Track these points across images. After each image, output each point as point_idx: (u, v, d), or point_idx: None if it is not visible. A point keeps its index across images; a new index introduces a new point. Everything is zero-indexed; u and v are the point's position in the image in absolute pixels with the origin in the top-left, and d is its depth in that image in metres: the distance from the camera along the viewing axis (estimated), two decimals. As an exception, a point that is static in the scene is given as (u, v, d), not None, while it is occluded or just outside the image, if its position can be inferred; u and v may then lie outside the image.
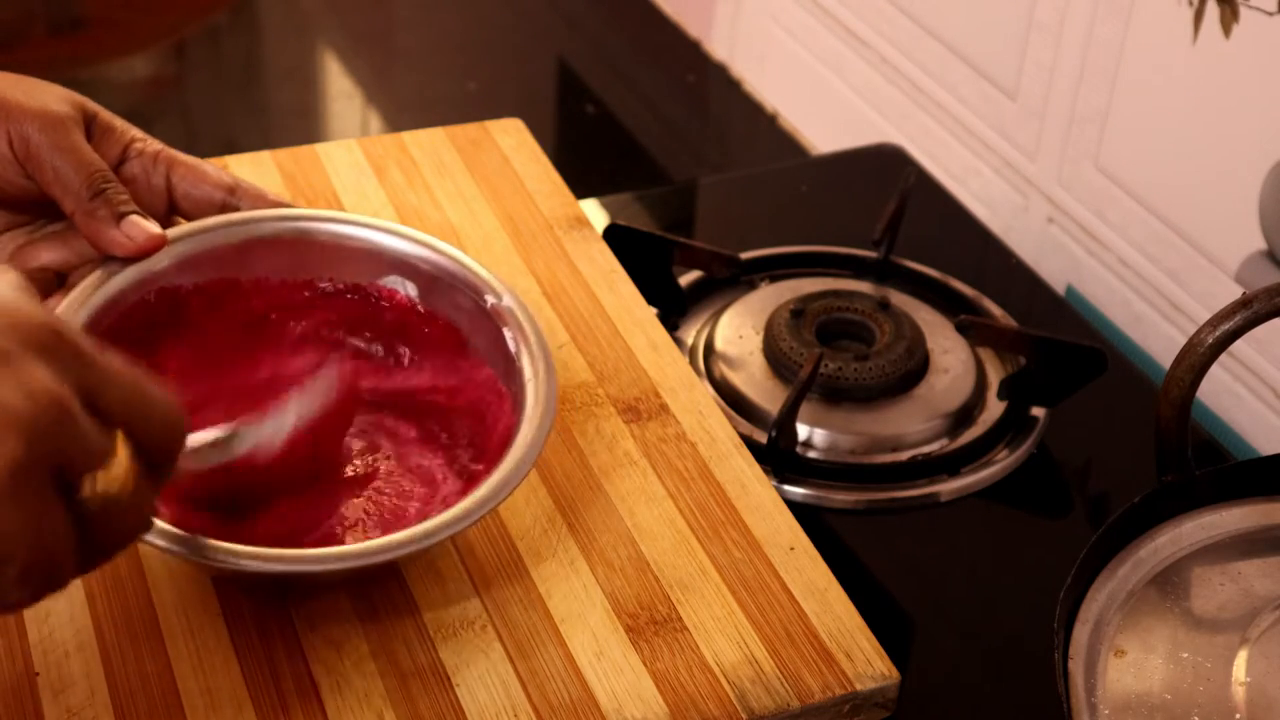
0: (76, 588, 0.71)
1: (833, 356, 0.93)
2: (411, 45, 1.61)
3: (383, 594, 0.73)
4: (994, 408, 0.94)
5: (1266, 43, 0.91)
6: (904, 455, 0.91)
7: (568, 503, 0.78)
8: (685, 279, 1.02)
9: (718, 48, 1.46)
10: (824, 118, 1.33)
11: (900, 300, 1.00)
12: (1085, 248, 1.09)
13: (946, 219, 1.13)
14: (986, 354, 0.98)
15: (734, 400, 0.93)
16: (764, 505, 0.79)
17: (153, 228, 0.75)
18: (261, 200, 0.79)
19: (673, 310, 1.00)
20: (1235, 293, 0.83)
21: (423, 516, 0.73)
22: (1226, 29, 0.94)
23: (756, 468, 0.81)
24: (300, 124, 1.49)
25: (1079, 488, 0.92)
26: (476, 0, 1.64)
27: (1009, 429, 0.93)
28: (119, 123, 0.77)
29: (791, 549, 0.77)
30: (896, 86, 1.23)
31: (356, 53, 1.60)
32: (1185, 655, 0.68)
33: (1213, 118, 0.96)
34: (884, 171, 1.14)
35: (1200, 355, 0.74)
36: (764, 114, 1.40)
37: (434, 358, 0.80)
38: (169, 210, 0.78)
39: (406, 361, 0.81)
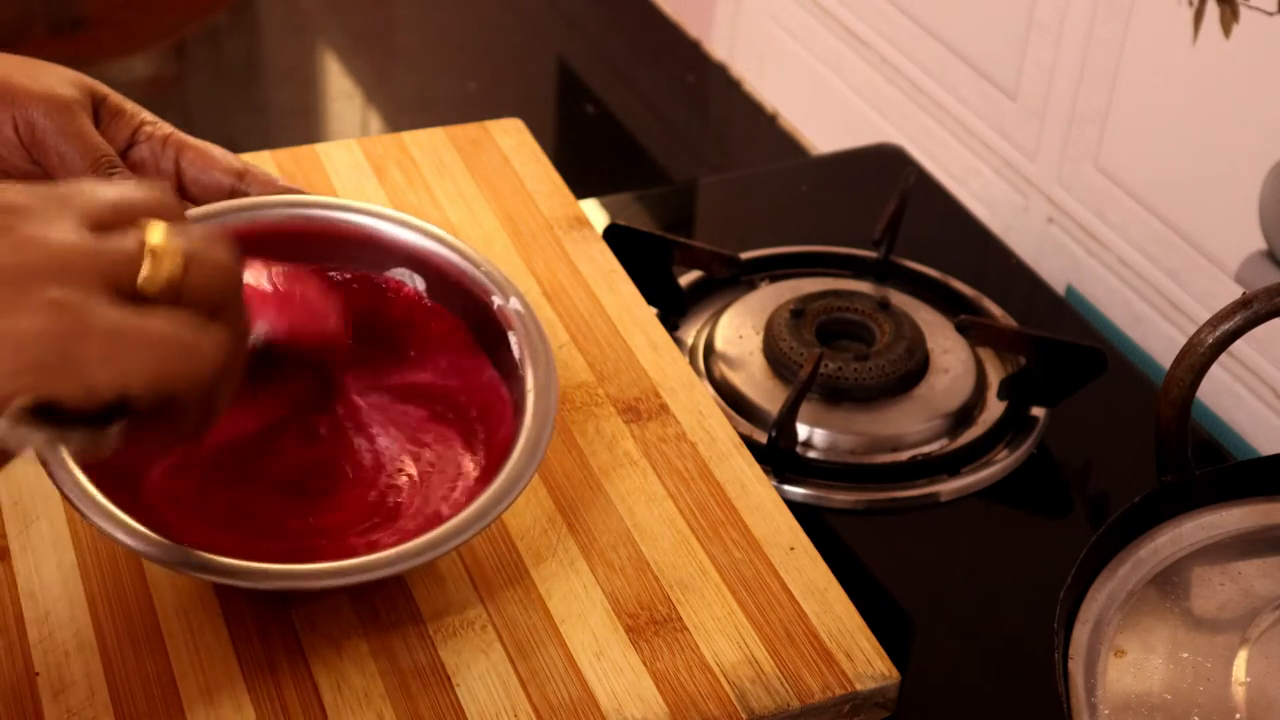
0: (77, 587, 0.71)
1: (833, 356, 0.93)
2: (411, 45, 1.61)
3: (383, 594, 0.72)
4: (994, 408, 0.94)
5: (1266, 43, 0.91)
6: (904, 455, 0.91)
7: (568, 503, 0.78)
8: (685, 279, 1.02)
9: (718, 48, 1.46)
10: (824, 118, 1.33)
11: (900, 300, 1.00)
12: (1085, 248, 1.09)
13: (946, 219, 1.13)
14: (986, 354, 0.98)
15: (734, 400, 0.93)
16: (764, 505, 0.79)
17: None
18: (271, 185, 0.78)
19: (673, 310, 1.00)
20: (1235, 293, 0.83)
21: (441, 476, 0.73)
22: (1226, 29, 0.94)
23: (756, 468, 0.81)
24: (300, 124, 1.49)
25: (1079, 488, 0.92)
26: (476, 0, 1.64)
27: (1009, 429, 0.93)
28: (129, 105, 0.76)
29: (791, 549, 0.77)
30: (896, 86, 1.23)
31: (356, 53, 1.60)
32: (1185, 655, 0.68)
33: (1213, 118, 0.96)
34: (884, 171, 1.14)
35: (1200, 355, 0.74)
36: (764, 114, 1.40)
37: (438, 355, 0.80)
38: (178, 195, 0.77)
39: (410, 356, 0.80)
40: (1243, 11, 0.92)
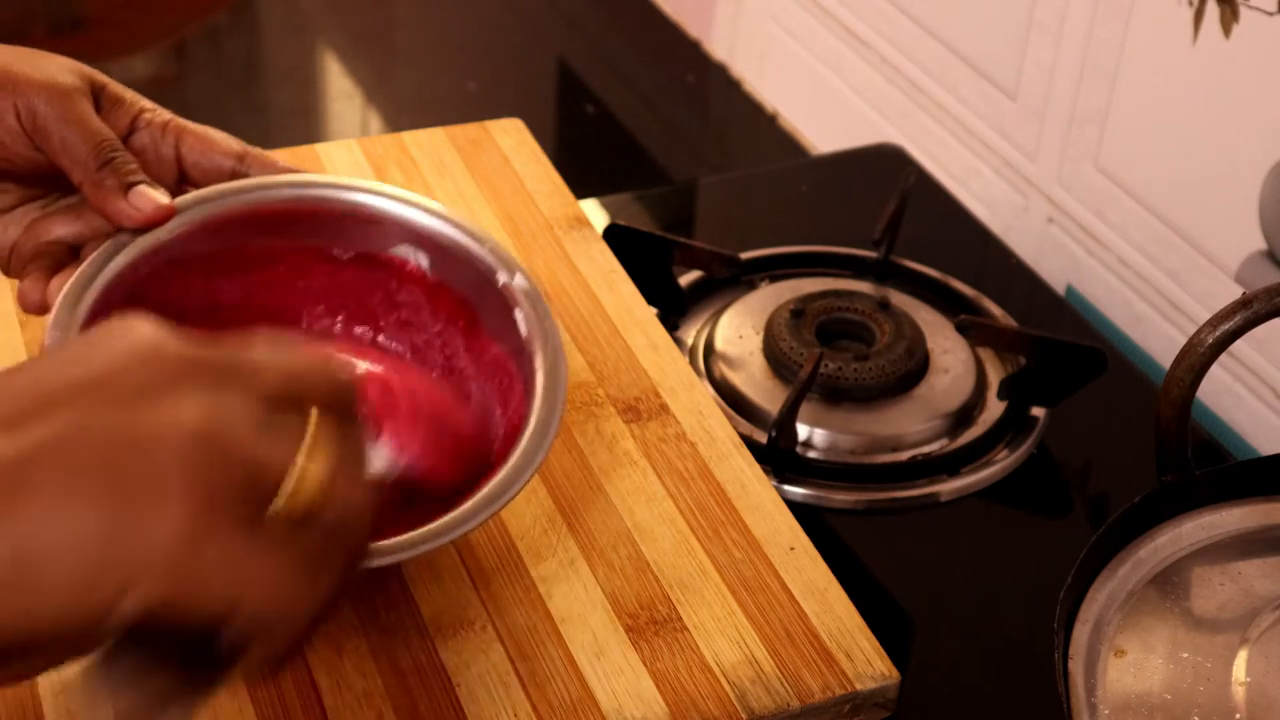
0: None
1: (833, 356, 0.93)
2: (411, 45, 1.61)
3: (383, 594, 0.73)
4: (994, 408, 0.94)
5: (1266, 43, 0.91)
6: (904, 455, 0.91)
7: (568, 503, 0.78)
8: (685, 279, 1.02)
9: (718, 48, 1.46)
10: (824, 118, 1.33)
11: (900, 300, 1.00)
12: (1085, 248, 1.09)
13: (946, 219, 1.13)
14: (986, 354, 0.98)
15: (734, 400, 0.93)
16: (764, 505, 0.79)
17: (161, 198, 0.74)
18: (272, 166, 0.78)
19: (673, 310, 1.00)
20: (1235, 293, 0.83)
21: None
22: (1226, 29, 0.94)
23: (756, 468, 0.81)
24: (300, 124, 1.49)
25: (1079, 488, 0.92)
26: (476, 0, 1.64)
27: (1009, 429, 0.93)
28: (128, 94, 0.76)
29: (791, 549, 0.77)
30: (896, 86, 1.23)
31: (356, 53, 1.60)
32: (1185, 655, 0.68)
33: (1213, 118, 0.96)
34: (884, 171, 1.14)
35: (1200, 355, 0.74)
36: (764, 114, 1.40)
37: (442, 334, 0.79)
38: (179, 179, 0.77)
39: (415, 335, 0.80)
40: (1243, 11, 0.92)
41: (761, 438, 0.89)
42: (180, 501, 0.44)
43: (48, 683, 0.68)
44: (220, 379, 0.48)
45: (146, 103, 0.77)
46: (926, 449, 0.91)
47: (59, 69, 0.73)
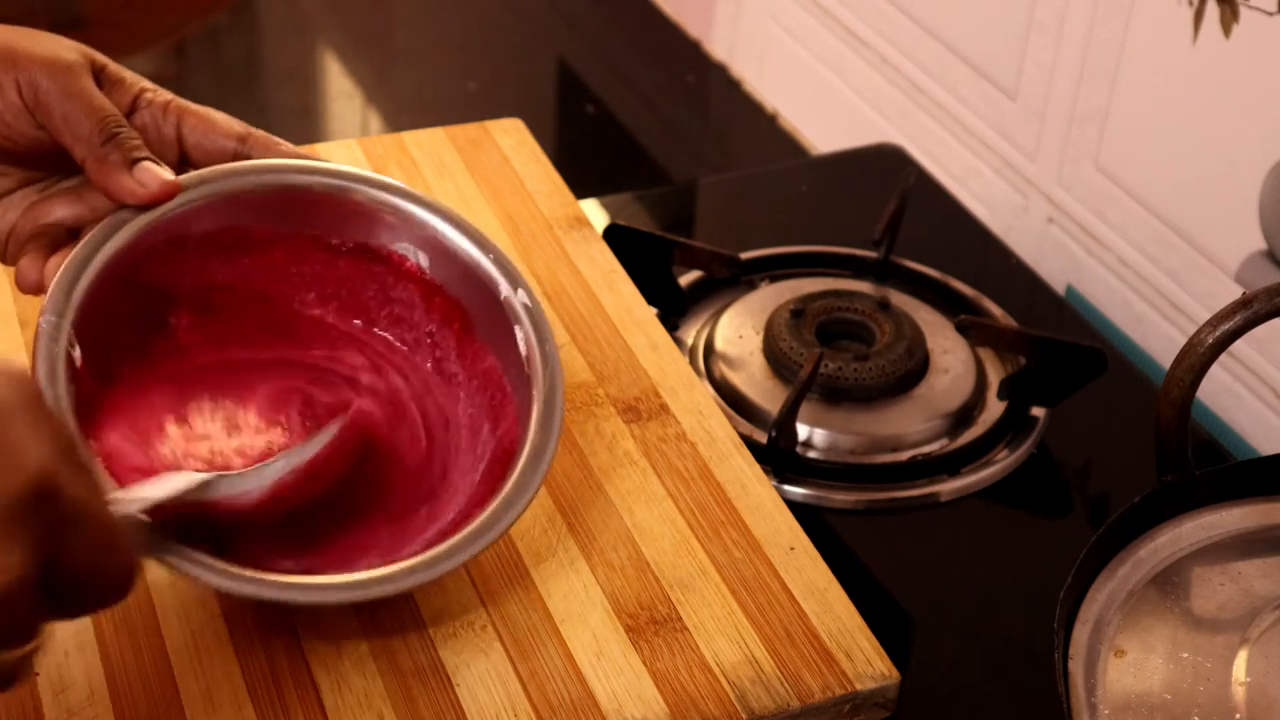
0: (76, 588, 0.71)
1: (833, 356, 0.93)
2: (411, 45, 1.61)
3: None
4: (994, 408, 0.94)
5: (1266, 43, 0.91)
6: (904, 455, 0.91)
7: (568, 503, 0.78)
8: (685, 279, 1.02)
9: (718, 48, 1.46)
10: (824, 118, 1.33)
11: (900, 300, 1.00)
12: (1085, 248, 1.09)
13: (946, 219, 1.13)
14: (986, 354, 0.98)
15: (734, 400, 0.93)
16: (764, 505, 0.79)
17: (166, 174, 0.73)
18: (274, 148, 0.77)
19: (673, 310, 1.00)
20: (1235, 293, 0.83)
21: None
22: (1226, 29, 0.94)
23: (756, 468, 0.81)
24: (300, 124, 1.49)
25: (1079, 488, 0.92)
26: (476, 0, 1.64)
27: (1009, 429, 0.93)
28: (128, 74, 0.75)
29: (791, 549, 0.77)
30: (896, 86, 1.23)
31: (356, 53, 1.60)
32: (1185, 655, 0.68)
33: (1213, 118, 0.96)
34: (884, 171, 1.14)
35: (1200, 355, 0.74)
36: (764, 114, 1.40)
37: (435, 334, 0.79)
38: (180, 160, 0.76)
39: (409, 334, 0.80)
40: (1243, 11, 0.92)
41: (761, 438, 0.89)
42: None
43: (48, 682, 0.68)
44: (47, 524, 0.51)
45: (147, 83, 0.75)
46: (926, 449, 0.91)
47: (60, 46, 0.72)
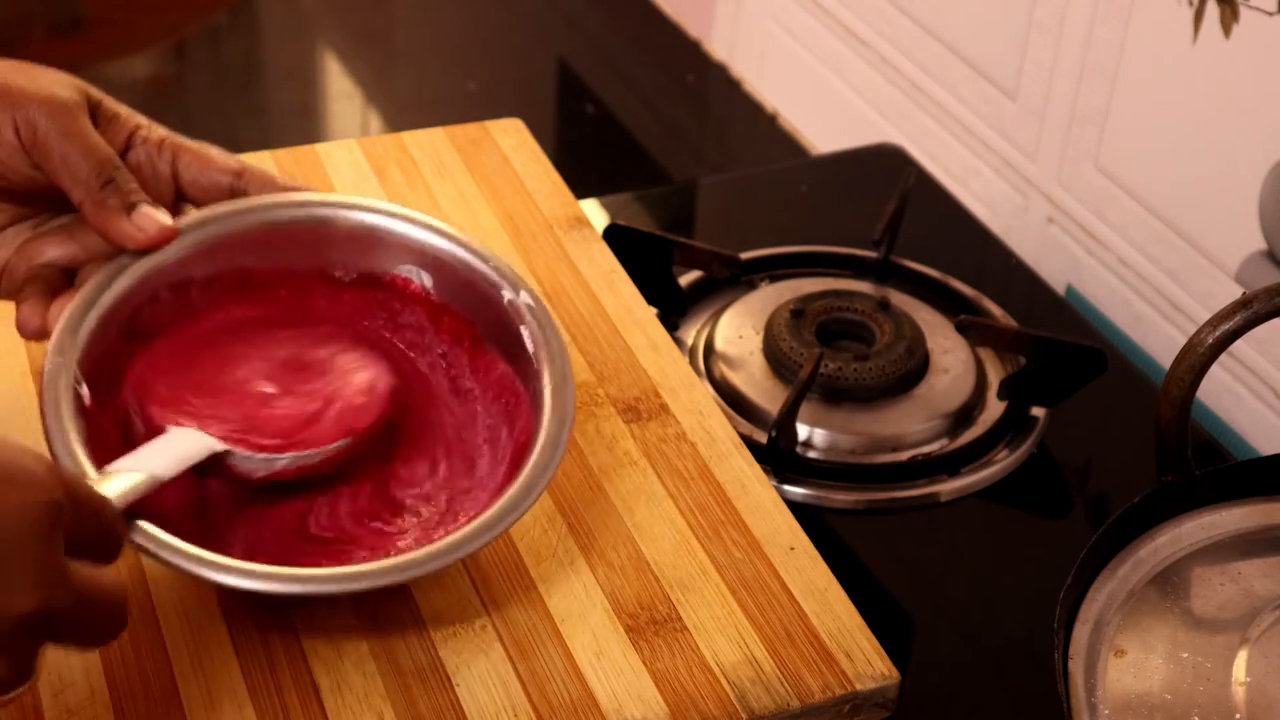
0: (76, 588, 0.71)
1: (833, 356, 0.93)
2: (411, 45, 1.61)
3: (383, 595, 0.72)
4: (994, 408, 0.94)
5: (1266, 43, 0.91)
6: (904, 455, 0.91)
7: (568, 503, 0.78)
8: (685, 279, 1.02)
9: (718, 48, 1.46)
10: (824, 118, 1.33)
11: (900, 300, 1.00)
12: (1085, 248, 1.09)
13: (946, 219, 1.13)
14: (986, 354, 0.98)
15: (734, 400, 0.93)
16: (764, 505, 0.79)
17: (164, 218, 0.73)
18: (271, 184, 0.77)
19: (673, 310, 1.00)
20: (1235, 293, 0.83)
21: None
22: (1226, 29, 0.94)
23: (756, 468, 0.81)
24: (300, 124, 1.49)
25: (1079, 488, 0.92)
26: (476, 0, 1.64)
27: (1009, 429, 0.93)
28: (123, 110, 0.75)
29: (791, 549, 0.77)
30: (896, 86, 1.23)
31: (356, 53, 1.60)
32: (1185, 655, 0.68)
33: (1213, 118, 0.96)
34: (884, 171, 1.14)
35: (1200, 355, 0.74)
36: (764, 114, 1.40)
37: (447, 355, 0.79)
38: (176, 197, 0.76)
39: (423, 358, 0.80)
40: (1243, 11, 0.92)
41: (761, 438, 0.89)
42: None
43: (48, 682, 0.68)
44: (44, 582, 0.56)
45: (141, 119, 0.75)
46: (926, 449, 0.91)
47: (57, 83, 0.72)
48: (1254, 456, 0.82)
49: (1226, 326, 0.74)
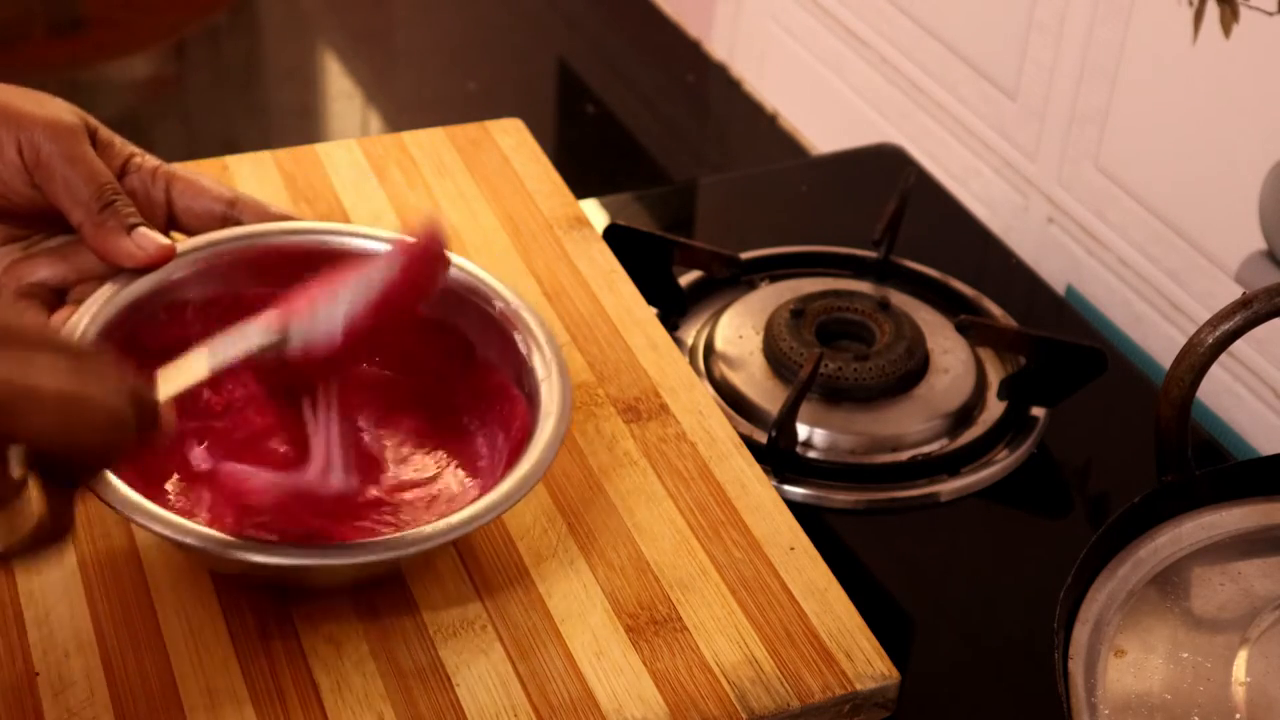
0: (77, 587, 0.71)
1: (833, 356, 0.93)
2: (411, 45, 1.61)
3: (383, 594, 0.73)
4: (994, 408, 0.94)
5: (1266, 43, 0.91)
6: (904, 455, 0.91)
7: (568, 503, 0.78)
8: (685, 279, 1.02)
9: (718, 48, 1.46)
10: (824, 118, 1.33)
11: (900, 300, 1.00)
12: (1085, 248, 1.09)
13: (946, 219, 1.13)
14: (986, 354, 0.98)
15: (734, 400, 0.93)
16: (764, 505, 0.79)
17: (162, 239, 0.75)
18: (262, 212, 0.79)
19: (673, 310, 1.00)
20: (1235, 293, 0.83)
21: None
22: (1226, 29, 0.94)
23: (756, 468, 0.81)
24: (300, 124, 1.49)
25: (1079, 488, 0.92)
26: (476, 0, 1.64)
27: (1009, 429, 0.93)
28: (117, 138, 0.77)
29: (791, 549, 0.77)
30: (896, 86, 1.23)
31: (356, 53, 1.60)
32: (1185, 655, 0.68)
33: (1213, 118, 0.96)
34: (884, 171, 1.14)
35: (1200, 355, 0.74)
36: (764, 114, 1.40)
37: (439, 370, 0.80)
38: (168, 225, 0.78)
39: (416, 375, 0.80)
40: (1243, 11, 0.92)
41: (761, 438, 0.89)
42: None
43: (48, 682, 0.68)
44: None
45: (135, 148, 0.78)
46: (926, 449, 0.91)
47: (60, 109, 0.74)
48: (1254, 456, 0.82)
49: (1226, 326, 0.74)
